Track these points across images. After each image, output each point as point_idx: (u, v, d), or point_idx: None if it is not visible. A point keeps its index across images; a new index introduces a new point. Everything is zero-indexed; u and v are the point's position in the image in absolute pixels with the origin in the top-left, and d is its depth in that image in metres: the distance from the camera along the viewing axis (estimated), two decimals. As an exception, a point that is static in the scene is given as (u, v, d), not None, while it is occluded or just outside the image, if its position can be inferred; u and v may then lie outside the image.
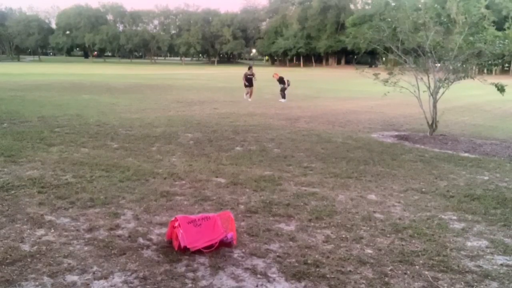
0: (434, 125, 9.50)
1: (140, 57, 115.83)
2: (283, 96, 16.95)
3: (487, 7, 47.89)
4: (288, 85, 17.23)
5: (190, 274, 3.06)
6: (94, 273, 3.04)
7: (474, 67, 10.58)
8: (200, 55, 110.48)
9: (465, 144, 8.65)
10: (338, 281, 3.02)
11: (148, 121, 10.22)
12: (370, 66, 58.80)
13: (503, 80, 9.19)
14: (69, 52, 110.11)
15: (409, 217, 4.33)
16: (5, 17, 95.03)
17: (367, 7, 77.33)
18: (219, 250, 3.42)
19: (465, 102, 17.90)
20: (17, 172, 5.51)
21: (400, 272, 3.18)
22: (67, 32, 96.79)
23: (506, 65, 54.26)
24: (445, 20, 9.37)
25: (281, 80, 17.31)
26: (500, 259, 3.44)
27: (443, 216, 4.39)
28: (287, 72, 52.74)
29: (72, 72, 38.28)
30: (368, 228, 4.01)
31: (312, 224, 4.09)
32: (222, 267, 3.18)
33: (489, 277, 3.14)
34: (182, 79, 31.51)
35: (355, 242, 3.68)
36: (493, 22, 8.84)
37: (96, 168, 5.79)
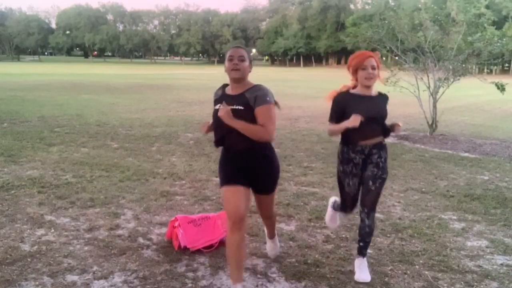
0: (434, 125, 9.50)
1: (140, 57, 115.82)
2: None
3: (487, 7, 47.95)
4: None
5: (190, 274, 3.06)
6: (94, 273, 3.04)
7: (474, 67, 10.57)
8: (200, 55, 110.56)
9: (465, 144, 8.65)
10: (338, 281, 3.02)
11: (148, 121, 10.22)
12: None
13: (503, 79, 9.17)
14: (69, 52, 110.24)
15: (409, 217, 4.33)
16: (5, 17, 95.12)
17: (367, 7, 77.38)
18: (219, 250, 3.42)
19: (465, 102, 17.89)
20: (17, 172, 5.51)
21: (400, 272, 3.18)
22: (67, 32, 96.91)
23: (506, 64, 54.28)
24: (440, 19, 9.35)
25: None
26: (500, 259, 3.44)
27: (443, 216, 4.39)
28: (287, 72, 52.53)
29: (72, 72, 38.28)
30: (368, 228, 4.01)
31: (312, 224, 4.09)
32: (222, 267, 3.18)
33: (489, 277, 3.13)
34: (182, 79, 31.51)
35: (355, 242, 3.67)
36: (493, 22, 8.84)
37: (96, 168, 5.79)
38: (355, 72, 3.09)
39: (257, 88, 2.76)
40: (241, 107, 2.69)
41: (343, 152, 3.11)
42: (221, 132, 2.77)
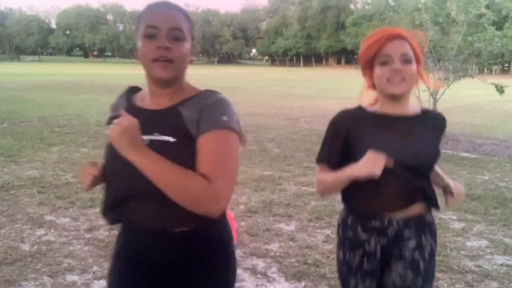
0: (434, 125, 9.50)
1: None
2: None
3: (487, 6, 47.95)
4: None
5: (190, 274, 3.06)
6: (94, 273, 3.03)
7: (474, 67, 10.58)
8: (200, 55, 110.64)
9: (465, 144, 8.65)
10: (338, 281, 3.02)
11: (148, 121, 10.22)
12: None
13: (503, 80, 9.18)
14: (69, 52, 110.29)
15: (409, 217, 4.33)
16: (5, 17, 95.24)
17: (367, 7, 77.48)
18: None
19: (465, 102, 17.89)
20: (17, 172, 5.51)
21: (400, 272, 3.18)
22: (67, 32, 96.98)
23: (506, 65, 54.31)
24: (440, 20, 9.36)
25: None
26: (500, 259, 3.44)
27: (443, 216, 4.38)
28: (287, 72, 52.61)
29: (72, 72, 38.26)
30: (368, 228, 4.00)
31: (312, 224, 4.09)
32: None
33: (489, 277, 3.13)
34: (182, 79, 31.44)
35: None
36: (493, 22, 8.89)
37: (96, 168, 5.78)
38: (368, 69, 1.59)
39: (206, 97, 1.32)
40: (171, 138, 1.25)
41: (347, 227, 1.67)
42: (118, 187, 1.29)
